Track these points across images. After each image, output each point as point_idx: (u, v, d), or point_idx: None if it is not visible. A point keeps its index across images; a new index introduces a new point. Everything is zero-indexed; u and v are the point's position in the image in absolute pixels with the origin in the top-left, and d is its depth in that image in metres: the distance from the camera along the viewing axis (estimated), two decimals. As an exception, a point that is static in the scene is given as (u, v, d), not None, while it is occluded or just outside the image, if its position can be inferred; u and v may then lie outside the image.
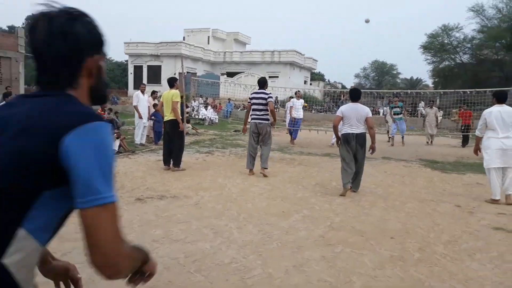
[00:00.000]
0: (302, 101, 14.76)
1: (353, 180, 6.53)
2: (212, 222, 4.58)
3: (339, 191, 6.38)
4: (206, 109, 22.28)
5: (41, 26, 1.05)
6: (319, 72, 60.74)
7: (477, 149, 6.65)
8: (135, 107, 11.48)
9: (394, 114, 14.70)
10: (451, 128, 19.33)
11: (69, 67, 1.08)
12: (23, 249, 0.96)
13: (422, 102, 29.55)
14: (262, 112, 7.54)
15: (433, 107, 15.58)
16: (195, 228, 4.37)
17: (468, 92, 15.92)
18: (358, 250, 3.88)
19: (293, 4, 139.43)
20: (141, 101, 11.53)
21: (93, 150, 0.95)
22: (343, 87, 57.50)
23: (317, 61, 51.46)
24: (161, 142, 11.70)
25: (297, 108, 14.16)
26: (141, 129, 11.52)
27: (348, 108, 6.52)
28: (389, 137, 14.83)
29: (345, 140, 6.44)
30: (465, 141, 14.66)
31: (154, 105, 12.14)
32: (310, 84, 50.18)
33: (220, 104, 30.47)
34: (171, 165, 7.85)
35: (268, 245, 3.92)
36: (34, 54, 1.08)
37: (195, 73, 39.03)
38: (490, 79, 32.75)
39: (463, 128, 14.70)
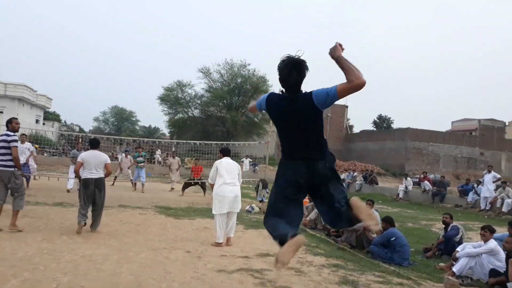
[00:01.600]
0: (28, 144, 13.10)
1: (93, 221, 7.21)
2: None
3: (69, 246, 5.89)
4: None
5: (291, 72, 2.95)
6: (54, 112, 55.99)
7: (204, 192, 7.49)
8: None
9: (138, 162, 15.65)
10: (184, 175, 20.94)
11: None
12: None
13: (159, 150, 31.12)
14: (6, 157, 6.69)
15: (175, 157, 16.97)
16: None
17: (198, 143, 17.91)
18: (87, 313, 3.59)
19: (23, 35, 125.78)
20: None
21: None
22: (81, 130, 54.75)
23: (52, 99, 47.48)
24: None
25: (22, 153, 12.55)
26: None
27: (88, 155, 7.23)
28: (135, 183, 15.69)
29: (84, 185, 7.10)
30: (185, 188, 15.72)
31: None
32: (43, 124, 45.57)
33: None
34: None
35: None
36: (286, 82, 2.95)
37: None
38: (215, 132, 37.73)
39: (194, 181, 15.62)
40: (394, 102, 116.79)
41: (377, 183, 23.50)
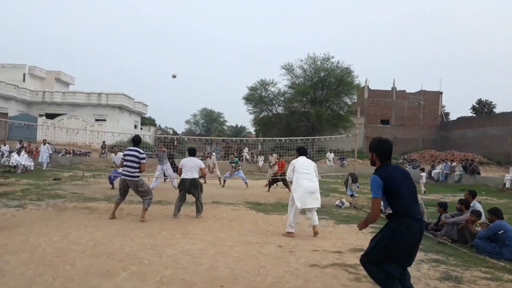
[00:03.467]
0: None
1: (196, 209, 8.81)
2: (20, 293, 3.90)
3: (169, 241, 6.31)
4: (19, 155, 19.56)
5: (390, 144, 3.85)
6: (150, 117, 60.24)
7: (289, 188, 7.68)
8: None
9: (232, 167, 16.87)
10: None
11: None
12: None
13: (246, 148, 31.84)
14: (133, 170, 8.08)
15: (273, 154, 17.67)
16: (-4, 303, 3.65)
17: (283, 140, 18.01)
18: (188, 304, 3.79)
19: (122, 47, 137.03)
20: None
21: None
22: (175, 132, 58.11)
23: (147, 105, 51.08)
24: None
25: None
26: None
27: (185, 161, 8.89)
28: (223, 180, 16.74)
29: (181, 183, 8.77)
30: (272, 184, 15.77)
31: None
32: (141, 128, 49.25)
33: (37, 149, 27.22)
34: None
35: None
36: (387, 153, 3.79)
37: (7, 114, 34.37)
38: (300, 128, 37.59)
39: (279, 176, 15.72)
40: (495, 85, 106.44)
41: (479, 173, 21.59)
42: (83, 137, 30.34)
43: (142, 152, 8.17)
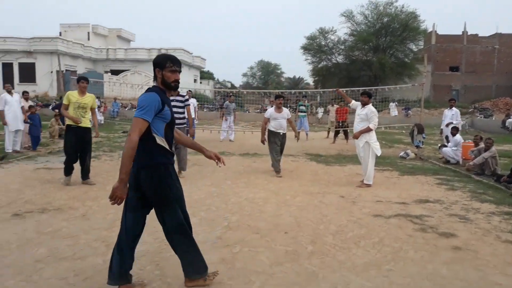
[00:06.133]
0: (194, 100, 14.67)
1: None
2: (103, 234, 4.29)
3: (233, 190, 6.55)
4: (99, 110, 20.84)
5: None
6: (208, 71, 60.95)
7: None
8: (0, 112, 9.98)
9: (300, 111, 16.07)
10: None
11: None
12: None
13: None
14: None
15: (334, 105, 16.68)
16: (83, 242, 4.04)
17: (344, 90, 17.44)
18: (255, 248, 3.98)
19: (180, 2, 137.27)
20: (10, 103, 10.15)
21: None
22: (232, 85, 58.59)
23: (205, 60, 51.57)
24: (40, 148, 10.81)
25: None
26: (12, 135, 10.25)
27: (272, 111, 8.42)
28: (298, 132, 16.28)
29: (273, 135, 8.24)
30: (336, 135, 15.40)
31: (30, 107, 11.31)
32: (200, 83, 50.13)
33: (105, 104, 28.78)
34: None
35: (165, 253, 3.80)
36: None
37: (75, 71, 36.29)
38: (361, 77, 36.31)
39: (339, 124, 15.22)
40: None
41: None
42: (147, 92, 31.49)
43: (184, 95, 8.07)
